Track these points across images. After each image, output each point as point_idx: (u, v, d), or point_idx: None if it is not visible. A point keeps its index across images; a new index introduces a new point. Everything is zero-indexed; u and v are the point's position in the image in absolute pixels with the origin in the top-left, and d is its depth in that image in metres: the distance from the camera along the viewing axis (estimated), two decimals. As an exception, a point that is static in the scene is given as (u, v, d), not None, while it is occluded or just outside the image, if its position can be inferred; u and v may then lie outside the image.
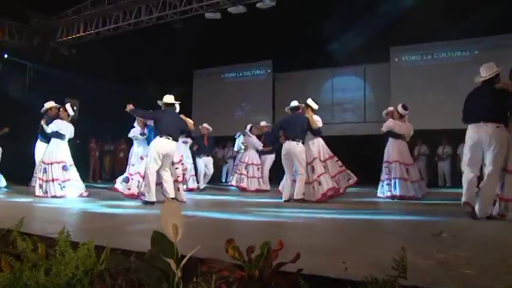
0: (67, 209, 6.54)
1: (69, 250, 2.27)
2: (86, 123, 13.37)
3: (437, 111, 13.98)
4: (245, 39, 14.16)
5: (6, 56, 14.85)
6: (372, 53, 14.39)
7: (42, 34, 15.37)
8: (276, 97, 17.75)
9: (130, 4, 13.57)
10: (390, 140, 8.69)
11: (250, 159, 11.28)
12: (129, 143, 12.40)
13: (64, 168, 8.47)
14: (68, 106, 8.73)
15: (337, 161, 8.05)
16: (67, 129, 8.66)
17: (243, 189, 11.04)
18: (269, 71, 17.82)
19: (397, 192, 8.27)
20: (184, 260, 1.89)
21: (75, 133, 8.92)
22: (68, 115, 8.72)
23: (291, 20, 12.79)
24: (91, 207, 6.72)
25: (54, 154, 8.51)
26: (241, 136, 11.85)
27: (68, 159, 8.63)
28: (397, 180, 8.34)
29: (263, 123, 11.96)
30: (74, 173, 8.62)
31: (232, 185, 11.72)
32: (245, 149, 11.48)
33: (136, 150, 9.64)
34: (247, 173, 11.17)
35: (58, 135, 8.57)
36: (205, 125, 11.75)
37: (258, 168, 11.26)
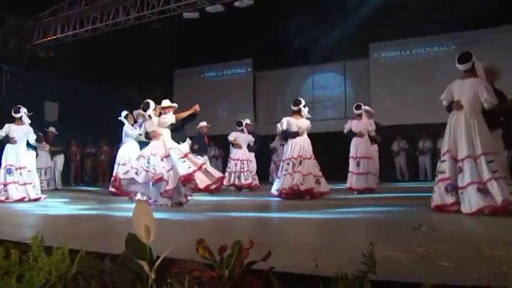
0: (45, 214, 6.46)
1: (43, 255, 2.24)
2: (66, 125, 13.26)
3: (416, 105, 14.15)
4: (224, 38, 14.16)
5: (-20, 59, 14.62)
6: (352, 49, 14.50)
7: (18, 36, 15.13)
8: (257, 95, 17.80)
9: (107, 5, 13.44)
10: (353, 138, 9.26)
11: (242, 155, 11.14)
12: (111, 144, 12.34)
13: (8, 171, 8.36)
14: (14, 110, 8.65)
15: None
16: (15, 132, 8.51)
17: (239, 187, 10.97)
18: (249, 69, 17.84)
19: (349, 185, 8.96)
20: (158, 262, 1.88)
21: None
22: (17, 118, 8.58)
23: (269, 18, 12.80)
24: (71, 211, 6.64)
25: (4, 158, 8.50)
26: (233, 133, 11.49)
27: (15, 163, 8.50)
28: (349, 174, 9.03)
29: (247, 121, 11.87)
30: (18, 177, 8.46)
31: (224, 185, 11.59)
32: (237, 146, 11.24)
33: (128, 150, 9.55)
34: (243, 169, 11.04)
35: (7, 139, 8.49)
36: (204, 123, 11.63)
37: (248, 164, 11.13)
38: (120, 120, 10.06)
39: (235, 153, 11.25)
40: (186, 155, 6.88)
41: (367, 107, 9.77)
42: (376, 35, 14.30)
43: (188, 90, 17.69)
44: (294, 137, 8.06)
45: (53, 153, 12.57)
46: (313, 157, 8.09)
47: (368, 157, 9.06)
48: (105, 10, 13.60)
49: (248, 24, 12.74)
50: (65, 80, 14.88)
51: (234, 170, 11.08)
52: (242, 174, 11.04)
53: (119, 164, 9.77)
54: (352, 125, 9.18)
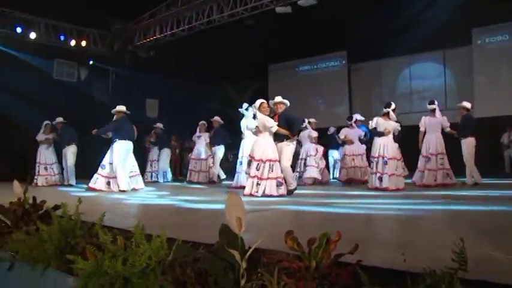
0: (147, 205, 6.90)
1: (144, 242, 2.39)
2: (165, 121, 13.96)
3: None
4: (318, 31, 14.05)
5: (91, 62, 15.85)
6: (452, 36, 13.65)
7: (121, 39, 16.19)
8: (352, 88, 17.45)
9: (202, 4, 13.91)
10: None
11: (356, 151, 11.20)
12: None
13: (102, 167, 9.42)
14: None
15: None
16: None
17: (348, 181, 11.00)
18: (344, 61, 17.52)
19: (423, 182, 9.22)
20: (249, 252, 1.93)
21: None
22: None
23: (362, 9, 12.49)
24: (170, 202, 7.05)
25: None
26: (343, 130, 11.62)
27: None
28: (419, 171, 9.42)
29: (357, 116, 11.82)
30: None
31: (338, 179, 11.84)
32: (348, 143, 11.28)
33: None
34: (357, 164, 11.10)
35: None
36: (313, 119, 11.88)
37: (362, 158, 11.17)
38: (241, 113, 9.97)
39: (349, 149, 11.24)
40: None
41: (464, 103, 9.54)
42: (479, 19, 13.24)
43: (283, 84, 17.74)
44: (379, 136, 8.73)
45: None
46: (398, 158, 8.71)
47: (439, 153, 9.14)
48: (200, 9, 14.09)
49: (341, 16, 12.53)
50: (164, 77, 15.71)
51: (350, 166, 11.10)
52: (356, 169, 11.05)
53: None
54: (426, 121, 9.42)
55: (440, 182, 8.98)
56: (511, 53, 13.80)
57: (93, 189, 9.13)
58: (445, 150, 9.21)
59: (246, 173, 7.95)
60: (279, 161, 7.55)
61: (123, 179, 9.18)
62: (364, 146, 11.33)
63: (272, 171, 7.38)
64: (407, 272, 1.64)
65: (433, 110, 9.42)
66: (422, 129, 9.39)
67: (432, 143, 9.19)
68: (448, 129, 9.29)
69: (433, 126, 9.30)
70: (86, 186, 9.63)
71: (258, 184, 7.34)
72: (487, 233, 3.47)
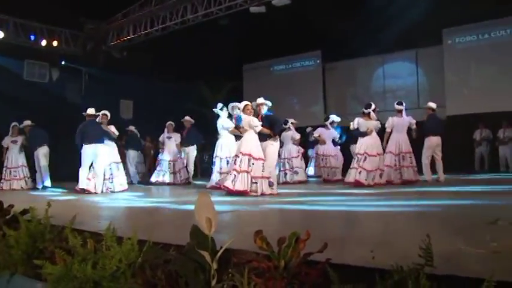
0: (119, 207, 6.83)
1: (114, 245, 2.36)
2: (140, 122, 13.80)
3: (495, 92, 13.34)
4: (292, 30, 14.09)
5: (63, 63, 15.55)
6: (424, 36, 13.88)
7: (94, 39, 15.95)
8: (326, 87, 17.56)
9: (176, 3, 13.81)
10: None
11: (327, 151, 11.56)
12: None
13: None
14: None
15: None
16: None
17: (326, 180, 11.37)
18: (318, 61, 17.61)
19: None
20: (220, 253, 1.92)
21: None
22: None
23: (337, 8, 12.56)
24: (143, 204, 7.00)
25: None
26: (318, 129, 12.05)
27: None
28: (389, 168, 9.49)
29: (334, 117, 12.00)
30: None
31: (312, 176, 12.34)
32: (320, 142, 11.63)
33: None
34: (326, 164, 11.53)
35: None
36: (292, 119, 12.05)
37: (334, 159, 11.56)
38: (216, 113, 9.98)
39: (321, 148, 11.68)
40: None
41: (429, 104, 9.97)
42: (450, 19, 13.47)
43: (257, 84, 17.75)
44: (363, 137, 9.12)
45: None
46: (381, 153, 9.07)
47: (408, 152, 9.40)
48: (174, 9, 13.98)
49: (315, 16, 12.58)
50: (138, 78, 15.54)
51: (322, 165, 11.66)
52: (327, 169, 11.51)
53: (221, 158, 9.63)
54: (394, 121, 9.53)
55: (414, 179, 9.27)
56: (478, 53, 14.11)
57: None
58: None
59: (233, 170, 7.54)
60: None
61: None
62: (337, 147, 11.71)
63: (264, 171, 7.43)
64: (376, 269, 1.66)
65: (401, 111, 9.57)
66: (388, 130, 9.49)
67: (402, 142, 9.40)
68: (414, 127, 9.46)
69: (400, 127, 9.46)
70: (61, 188, 9.51)
71: (254, 182, 7.30)
72: (460, 228, 3.53)
